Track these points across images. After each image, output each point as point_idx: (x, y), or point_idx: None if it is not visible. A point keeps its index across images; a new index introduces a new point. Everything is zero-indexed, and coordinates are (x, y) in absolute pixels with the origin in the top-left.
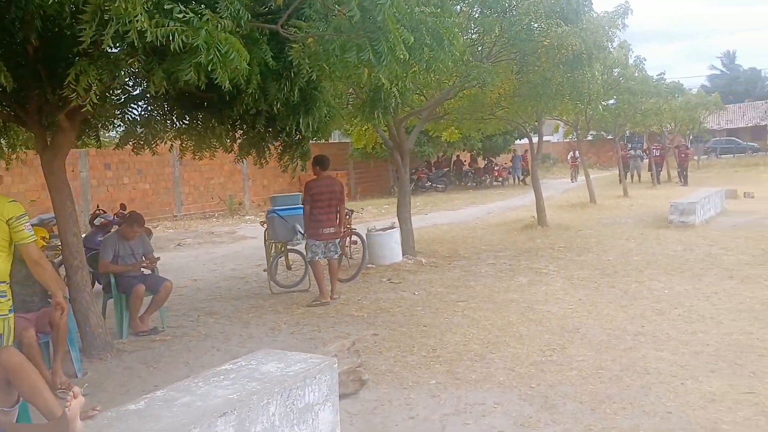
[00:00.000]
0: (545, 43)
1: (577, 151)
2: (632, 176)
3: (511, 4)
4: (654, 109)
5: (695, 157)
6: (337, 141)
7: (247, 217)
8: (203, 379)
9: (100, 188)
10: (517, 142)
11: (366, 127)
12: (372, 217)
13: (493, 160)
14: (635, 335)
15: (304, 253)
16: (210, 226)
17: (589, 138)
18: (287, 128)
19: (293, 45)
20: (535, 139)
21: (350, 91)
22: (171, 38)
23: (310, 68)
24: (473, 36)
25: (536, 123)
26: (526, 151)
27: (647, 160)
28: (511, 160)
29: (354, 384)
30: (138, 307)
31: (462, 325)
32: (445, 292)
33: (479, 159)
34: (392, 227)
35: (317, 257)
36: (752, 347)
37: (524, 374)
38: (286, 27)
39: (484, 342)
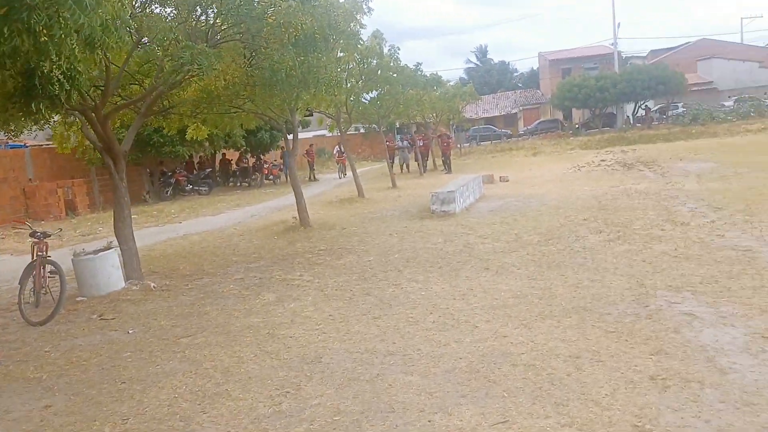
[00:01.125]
0: (270, 20)
1: (341, 145)
2: (401, 167)
3: None
4: (415, 99)
5: (458, 145)
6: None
7: None
8: None
9: None
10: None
11: (73, 126)
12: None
13: (263, 157)
14: (385, 356)
15: None
16: None
17: (362, 131)
18: None
19: None
20: (305, 135)
21: None
22: None
23: None
24: (182, 11)
25: (290, 116)
26: (311, 145)
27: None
28: (281, 157)
29: None
30: None
31: (177, 372)
32: (170, 325)
33: (248, 157)
34: (108, 248)
35: None
36: (506, 355)
37: None
38: None
39: (199, 396)
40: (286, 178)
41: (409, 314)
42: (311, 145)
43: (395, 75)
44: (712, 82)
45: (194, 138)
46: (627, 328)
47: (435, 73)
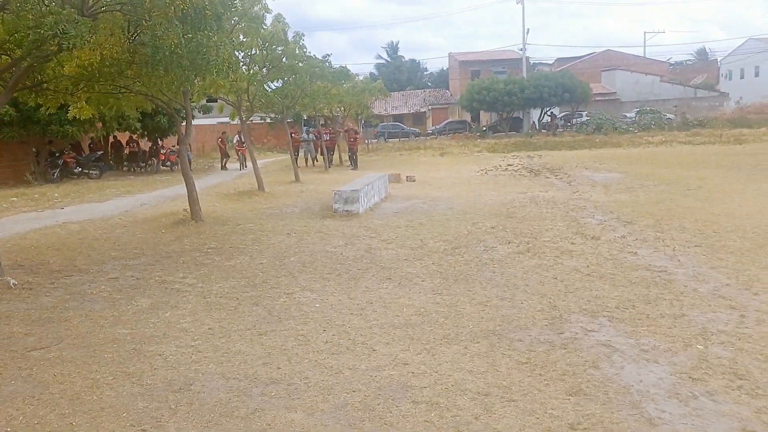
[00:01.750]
0: None
1: (241, 134)
2: (306, 161)
3: None
4: (322, 91)
5: (365, 141)
6: None
7: None
8: None
9: None
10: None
11: None
12: None
13: (160, 142)
14: (267, 385)
15: None
16: None
17: (268, 121)
18: None
19: None
20: (208, 121)
21: None
22: None
23: None
24: None
25: (182, 100)
26: (223, 132)
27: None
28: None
29: None
30: None
31: (16, 397)
32: (23, 333)
33: (139, 141)
34: None
35: None
36: (406, 389)
37: None
38: None
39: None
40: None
41: (299, 330)
42: (223, 133)
43: (301, 64)
44: (615, 92)
45: (78, 117)
46: (541, 359)
47: (344, 66)
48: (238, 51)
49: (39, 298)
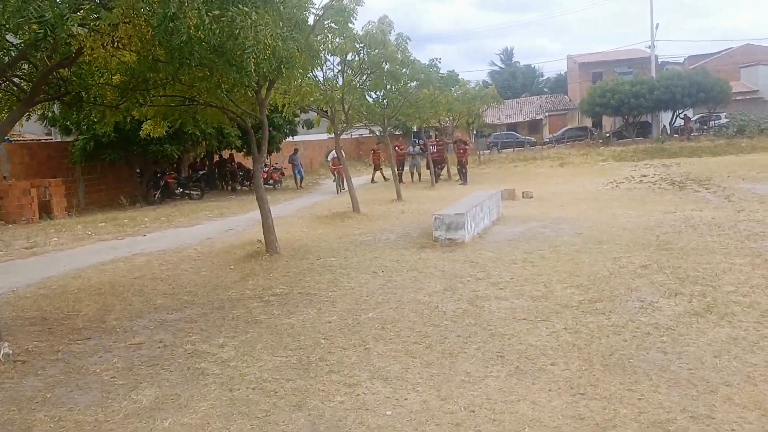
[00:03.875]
0: None
1: (334, 151)
2: (412, 175)
3: None
4: (428, 100)
5: (477, 153)
6: (55, 139)
7: None
8: None
9: None
10: (296, 138)
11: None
12: (45, 249)
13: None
14: None
15: None
16: None
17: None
18: None
19: None
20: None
21: None
22: None
23: None
24: None
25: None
26: (333, 148)
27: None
28: (290, 161)
29: None
30: None
31: None
32: None
33: (246, 159)
34: None
35: None
36: None
37: None
38: None
39: None
40: (296, 182)
41: None
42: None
43: (404, 70)
44: (758, 90)
45: (151, 135)
46: None
47: (452, 71)
48: (329, 53)
49: (23, 380)
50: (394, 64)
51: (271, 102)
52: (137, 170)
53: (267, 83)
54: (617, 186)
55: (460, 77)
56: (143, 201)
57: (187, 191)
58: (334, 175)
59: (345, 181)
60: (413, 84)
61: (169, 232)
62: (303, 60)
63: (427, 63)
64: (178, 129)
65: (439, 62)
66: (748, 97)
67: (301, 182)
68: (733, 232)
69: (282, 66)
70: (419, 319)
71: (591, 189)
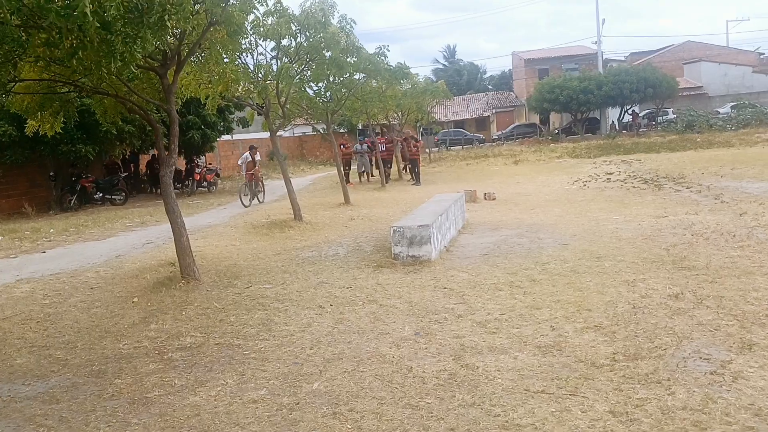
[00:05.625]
0: None
1: (248, 154)
2: (360, 176)
3: None
4: (376, 93)
5: (426, 150)
6: None
7: None
8: None
9: None
10: (236, 137)
11: None
12: None
13: (196, 160)
14: None
15: None
16: None
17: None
18: None
19: None
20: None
21: None
22: None
23: None
24: None
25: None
26: (250, 147)
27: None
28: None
29: None
30: None
31: None
32: None
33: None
34: None
35: None
36: None
37: None
38: None
39: None
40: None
41: None
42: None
43: (350, 59)
44: (701, 86)
45: (40, 133)
46: None
47: (402, 62)
48: (260, 37)
49: None
50: (337, 50)
51: (192, 93)
52: (50, 173)
53: (174, 64)
54: (585, 185)
55: (410, 70)
56: (57, 207)
57: (108, 196)
58: (247, 182)
59: (261, 189)
60: (360, 76)
61: (74, 248)
62: (222, 38)
63: (373, 52)
64: (91, 127)
65: (388, 50)
66: (693, 93)
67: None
68: (754, 243)
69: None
70: (387, 393)
71: (557, 189)
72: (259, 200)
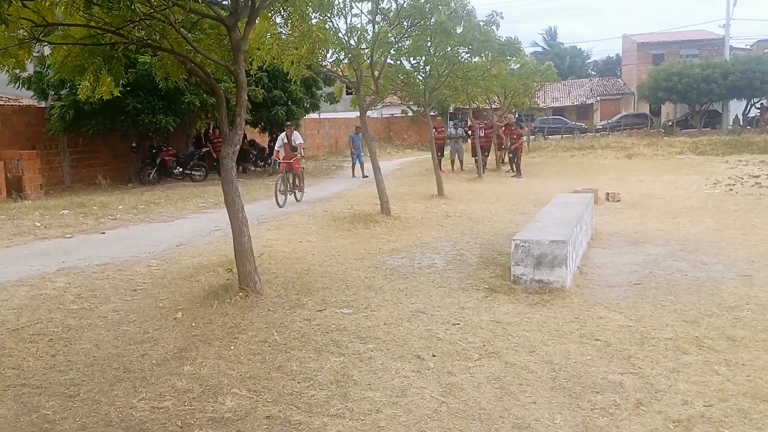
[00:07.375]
0: None
1: (284, 135)
2: (453, 163)
3: None
4: (481, 71)
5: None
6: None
7: None
8: None
9: None
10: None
11: None
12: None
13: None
14: None
15: None
16: None
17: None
18: None
19: None
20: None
21: None
22: None
23: None
24: None
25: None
26: (288, 126)
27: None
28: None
29: None
30: None
31: None
32: None
33: (262, 137)
34: None
35: None
36: None
37: None
38: None
39: None
40: (352, 169)
41: None
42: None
43: (458, 27)
44: None
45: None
46: None
47: (512, 37)
48: None
49: None
50: (444, 14)
51: (274, 58)
52: (133, 144)
53: (246, 13)
54: (730, 189)
55: (521, 45)
56: (136, 180)
57: (188, 171)
58: (283, 173)
59: (300, 184)
60: (465, 50)
61: (137, 229)
62: None
63: (484, 19)
64: (173, 98)
65: (501, 18)
66: None
67: (362, 170)
68: None
69: None
70: None
71: (694, 192)
72: (296, 198)
